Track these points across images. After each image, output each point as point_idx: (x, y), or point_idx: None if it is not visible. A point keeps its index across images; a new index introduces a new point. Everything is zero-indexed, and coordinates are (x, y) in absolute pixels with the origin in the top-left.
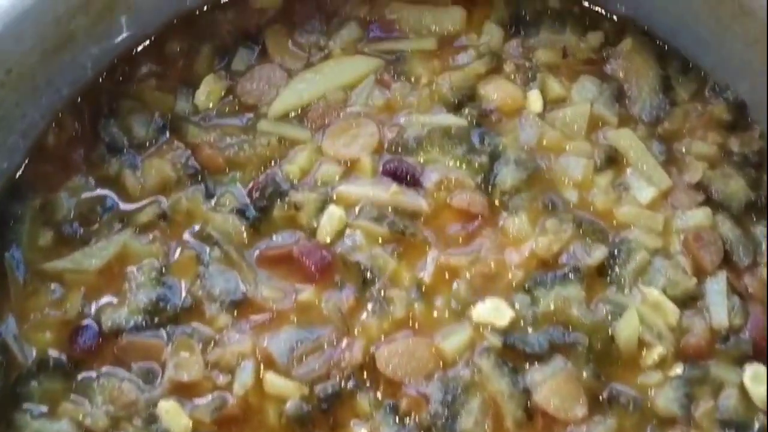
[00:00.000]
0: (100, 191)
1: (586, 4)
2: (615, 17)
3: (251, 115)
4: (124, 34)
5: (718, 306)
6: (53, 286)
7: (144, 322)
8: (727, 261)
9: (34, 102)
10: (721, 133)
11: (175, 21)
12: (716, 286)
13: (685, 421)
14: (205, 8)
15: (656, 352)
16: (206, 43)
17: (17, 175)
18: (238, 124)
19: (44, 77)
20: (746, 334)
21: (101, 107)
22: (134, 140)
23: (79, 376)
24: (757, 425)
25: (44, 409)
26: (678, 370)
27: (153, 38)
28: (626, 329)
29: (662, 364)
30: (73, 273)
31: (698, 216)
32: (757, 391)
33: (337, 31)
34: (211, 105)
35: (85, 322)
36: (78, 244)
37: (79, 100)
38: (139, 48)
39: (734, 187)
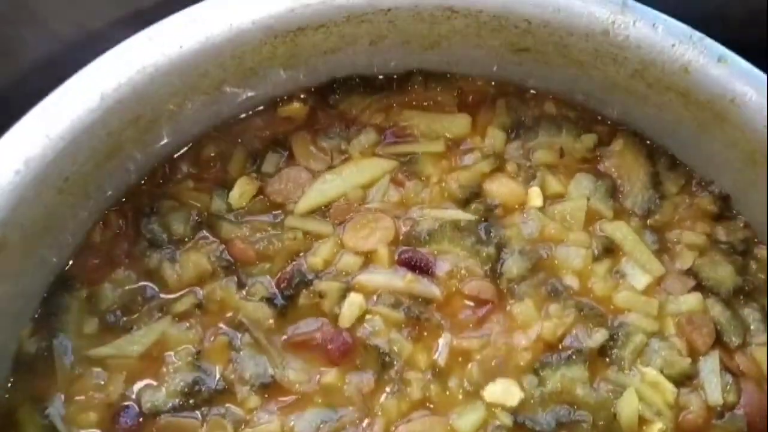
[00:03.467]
0: (141, 283)
1: (580, 109)
2: (608, 121)
3: (279, 212)
4: (165, 141)
5: (712, 384)
6: (97, 370)
7: (181, 404)
8: (719, 341)
9: (85, 204)
10: (708, 223)
11: (211, 130)
12: (709, 366)
13: None
14: (239, 117)
15: (656, 428)
16: (239, 148)
17: (65, 269)
18: (268, 221)
19: (95, 182)
20: (740, 410)
21: (143, 207)
22: (173, 236)
23: None
24: None
25: None
26: None
27: (191, 144)
28: (627, 407)
29: None
30: (115, 359)
31: (690, 301)
32: None
33: (355, 137)
34: (243, 203)
35: (127, 403)
36: (120, 332)
37: (123, 200)
38: (178, 153)
39: (722, 273)
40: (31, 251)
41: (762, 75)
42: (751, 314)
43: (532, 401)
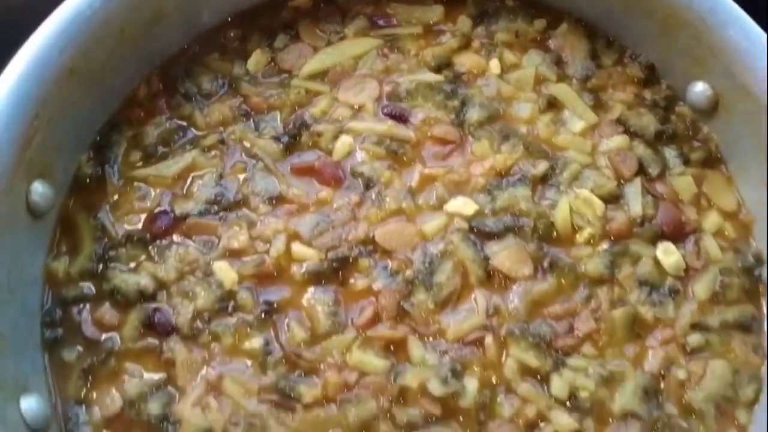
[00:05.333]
0: (177, 123)
1: (533, 1)
2: (555, 9)
3: (287, 75)
4: (204, 20)
5: (635, 201)
6: (139, 185)
7: (206, 210)
8: (642, 171)
9: (132, 59)
10: (636, 86)
11: (235, 16)
12: (633, 189)
13: (610, 281)
14: (258, 6)
15: (587, 232)
16: (256, 30)
17: (114, 115)
18: (277, 81)
19: (143, 41)
20: (657, 221)
21: (180, 71)
22: (203, 92)
23: (156, 245)
24: (666, 285)
25: (129, 267)
26: (604, 246)
27: (219, 26)
28: (560, 213)
29: (591, 241)
30: (155, 178)
31: (618, 140)
32: (666, 261)
33: (350, 23)
34: (258, 69)
35: (162, 209)
36: (159, 160)
37: (162, 65)
38: (209, 30)
39: (646, 121)
40: (93, 85)
41: None
42: (669, 152)
43: (484, 212)
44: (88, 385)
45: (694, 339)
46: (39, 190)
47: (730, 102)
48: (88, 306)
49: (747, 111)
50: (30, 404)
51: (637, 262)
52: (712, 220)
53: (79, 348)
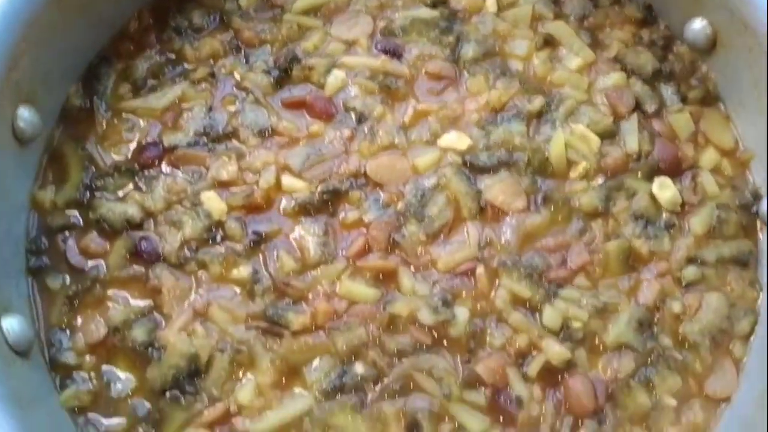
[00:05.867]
0: (167, 57)
1: None
2: None
3: (279, 11)
4: None
5: (631, 137)
6: (128, 117)
7: (195, 141)
8: (638, 108)
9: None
10: (634, 26)
11: None
12: (629, 126)
13: (605, 215)
14: None
15: (581, 166)
16: None
17: (105, 49)
18: (269, 16)
19: None
20: (653, 157)
21: (171, 6)
22: (194, 26)
23: (144, 175)
24: (662, 220)
25: (116, 196)
26: (599, 180)
27: None
28: (555, 148)
29: (586, 176)
30: (144, 110)
31: (615, 77)
32: (662, 196)
33: None
34: (250, 5)
35: (151, 140)
36: (149, 92)
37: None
38: None
39: (644, 59)
40: (82, 13)
41: None
42: (666, 90)
43: (478, 147)
44: (73, 312)
45: (690, 272)
46: (25, 115)
47: (728, 37)
48: (74, 234)
49: (746, 45)
50: (12, 324)
51: (632, 197)
52: (709, 157)
53: (64, 276)
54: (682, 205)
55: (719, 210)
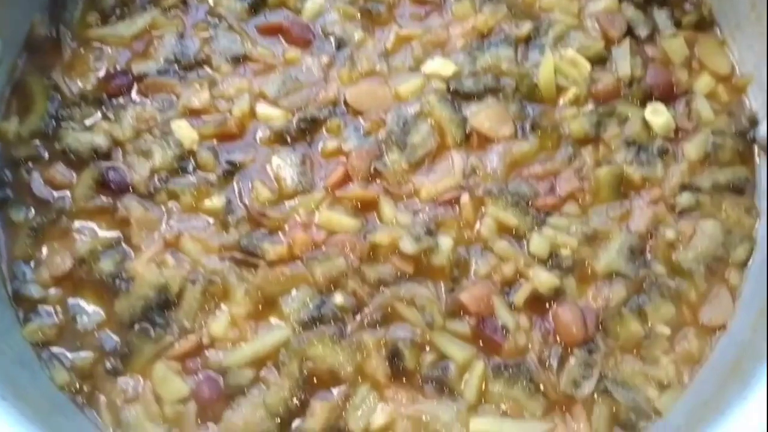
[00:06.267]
0: None
1: None
2: None
3: None
4: None
5: (623, 62)
6: (96, 45)
7: (165, 69)
8: (630, 34)
9: None
10: None
11: None
12: (621, 51)
13: (595, 141)
14: None
15: (571, 92)
16: None
17: None
18: None
19: None
20: (646, 82)
21: None
22: None
23: (112, 104)
24: (655, 146)
25: (83, 125)
26: (590, 106)
27: None
28: (544, 73)
29: (576, 102)
30: (113, 38)
31: (606, 1)
32: (655, 121)
33: None
34: None
35: (119, 68)
36: (118, 20)
37: None
38: None
39: None
40: None
41: None
42: (660, 15)
43: (463, 73)
44: (37, 245)
45: (684, 199)
46: None
47: None
48: (38, 166)
49: None
50: None
51: (624, 123)
52: (704, 82)
53: (29, 208)
54: (676, 131)
55: (714, 136)
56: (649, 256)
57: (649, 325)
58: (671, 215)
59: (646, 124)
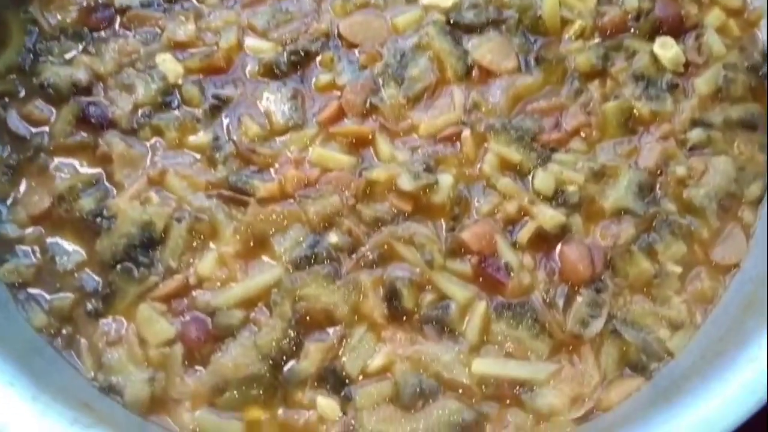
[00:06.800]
0: None
1: None
2: None
3: None
4: None
5: None
6: None
7: (149, 2)
8: None
9: None
10: None
11: None
12: None
13: (602, 75)
14: None
15: (577, 25)
16: None
17: None
18: None
19: None
20: (654, 15)
21: None
22: None
23: (93, 37)
24: (664, 80)
25: (62, 59)
26: (596, 40)
27: None
28: (548, 5)
29: (582, 35)
30: None
31: None
32: (664, 55)
33: None
34: None
35: (101, 1)
36: None
37: None
38: None
39: None
40: None
41: None
42: None
43: (464, 5)
44: (14, 182)
45: (695, 135)
46: None
47: None
48: (15, 101)
49: None
50: None
51: (632, 57)
52: (714, 16)
53: (5, 145)
54: (686, 65)
55: (726, 70)
56: (659, 193)
57: (660, 263)
58: (682, 151)
59: (654, 58)
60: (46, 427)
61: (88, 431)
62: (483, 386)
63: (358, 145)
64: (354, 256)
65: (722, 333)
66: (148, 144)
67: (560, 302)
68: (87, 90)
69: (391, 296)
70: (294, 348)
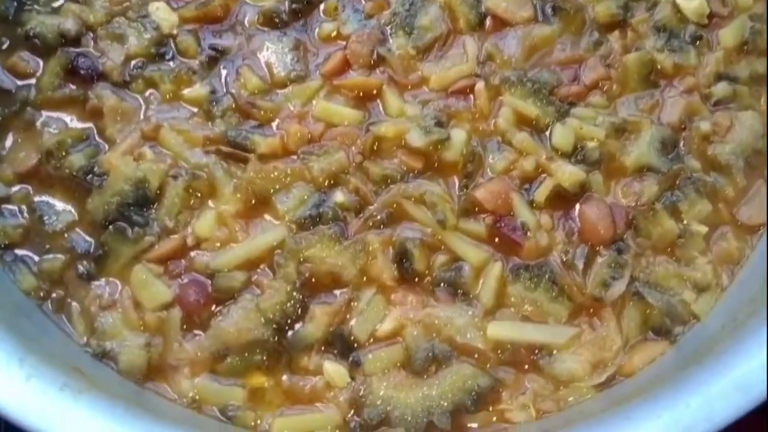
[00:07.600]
0: None
1: None
2: None
3: None
4: None
5: None
6: None
7: None
8: None
9: None
10: None
11: None
12: None
13: (623, 26)
14: None
15: None
16: None
17: None
18: None
19: None
20: None
21: None
22: None
23: None
24: (688, 32)
25: (49, 8)
26: None
27: None
28: None
29: None
30: None
31: None
32: (687, 6)
33: None
34: None
35: None
36: None
37: None
38: None
39: None
40: None
41: None
42: None
43: None
44: None
45: (720, 89)
46: None
47: None
48: None
49: None
50: None
51: (653, 7)
52: None
53: None
54: (710, 16)
55: (752, 21)
56: (682, 149)
57: (684, 223)
58: (706, 106)
59: (677, 9)
60: (33, 392)
61: (79, 397)
62: (499, 351)
63: (365, 98)
64: (361, 215)
65: (753, 294)
66: (141, 97)
67: (580, 264)
68: (76, 40)
69: (401, 258)
70: (299, 311)
